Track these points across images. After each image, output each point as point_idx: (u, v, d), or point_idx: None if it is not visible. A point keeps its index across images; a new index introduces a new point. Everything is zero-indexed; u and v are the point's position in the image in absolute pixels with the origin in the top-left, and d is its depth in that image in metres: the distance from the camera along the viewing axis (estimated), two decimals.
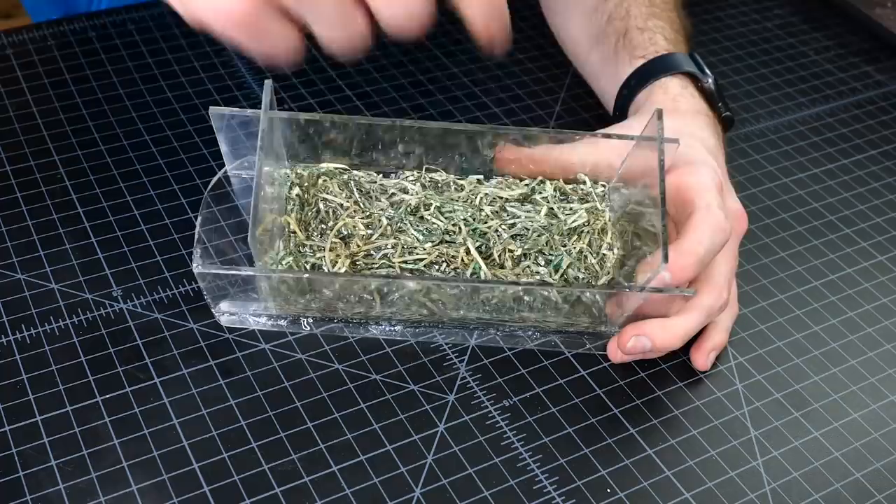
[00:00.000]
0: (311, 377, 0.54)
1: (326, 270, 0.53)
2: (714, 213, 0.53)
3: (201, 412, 0.51)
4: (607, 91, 0.69)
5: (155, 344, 0.54)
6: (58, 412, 0.51)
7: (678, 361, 0.57)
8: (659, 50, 0.66)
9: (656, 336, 0.54)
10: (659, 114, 0.54)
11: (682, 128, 0.58)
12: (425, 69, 0.78)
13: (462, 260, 0.54)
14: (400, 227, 0.55)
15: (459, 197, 0.57)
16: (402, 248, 0.54)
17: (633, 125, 0.60)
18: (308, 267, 0.53)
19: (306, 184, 0.56)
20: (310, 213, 0.56)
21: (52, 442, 0.49)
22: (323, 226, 0.55)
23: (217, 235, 0.55)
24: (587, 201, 0.58)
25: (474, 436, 0.52)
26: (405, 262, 0.54)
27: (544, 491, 0.50)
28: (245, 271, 0.52)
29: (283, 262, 0.53)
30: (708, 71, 0.65)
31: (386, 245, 0.54)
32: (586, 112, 0.75)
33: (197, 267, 0.50)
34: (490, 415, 0.53)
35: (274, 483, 0.49)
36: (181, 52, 0.76)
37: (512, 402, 0.54)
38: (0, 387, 0.52)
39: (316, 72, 0.76)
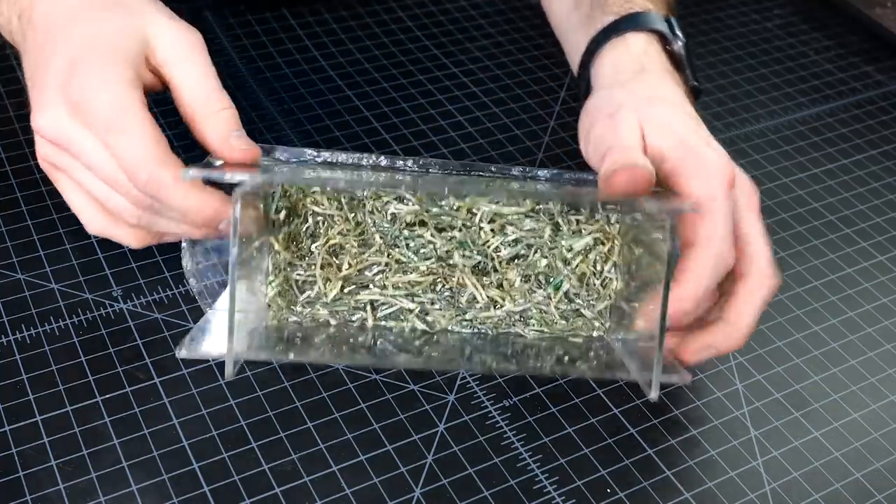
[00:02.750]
0: (311, 377, 0.54)
1: (316, 307, 0.53)
2: (715, 246, 0.49)
3: (201, 412, 0.51)
4: (578, 53, 0.64)
5: (155, 344, 0.54)
6: (58, 412, 0.51)
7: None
8: (633, 8, 0.61)
9: (720, 345, 0.51)
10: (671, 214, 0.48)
11: (653, 91, 0.55)
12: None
13: (458, 280, 0.54)
14: (394, 243, 0.54)
15: (457, 215, 0.54)
16: (396, 265, 0.54)
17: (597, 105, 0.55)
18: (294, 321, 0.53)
19: (294, 197, 0.53)
20: (297, 225, 0.54)
21: (52, 442, 0.49)
22: (311, 242, 0.54)
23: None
24: (595, 216, 0.54)
25: (474, 436, 0.52)
26: (398, 283, 0.53)
27: (544, 491, 0.50)
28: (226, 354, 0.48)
29: (273, 286, 0.53)
30: (681, 34, 0.60)
31: (379, 264, 0.54)
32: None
33: (180, 352, 0.50)
34: (490, 415, 0.53)
35: (274, 483, 0.49)
36: None
37: (512, 402, 0.54)
38: (0, 387, 0.52)
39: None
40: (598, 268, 0.55)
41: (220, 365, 0.54)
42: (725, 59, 0.83)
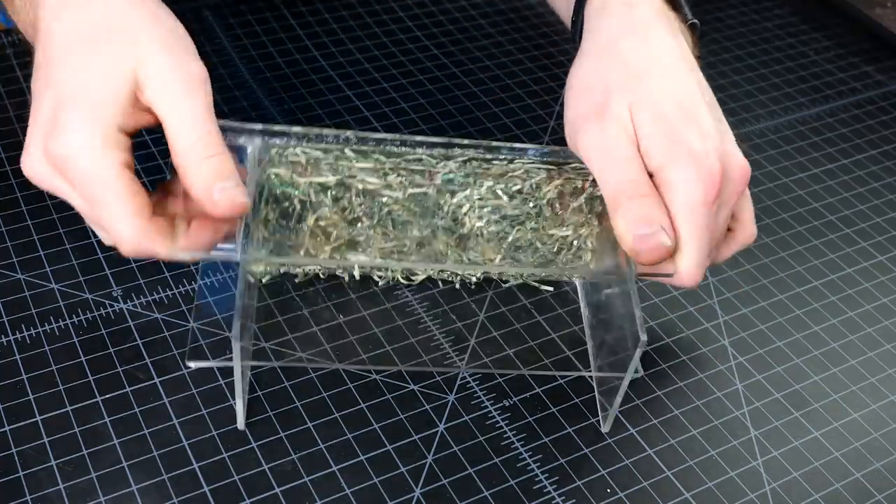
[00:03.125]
0: (312, 377, 0.54)
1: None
2: (703, 248, 0.50)
3: (201, 412, 0.51)
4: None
5: (155, 344, 0.54)
6: (58, 412, 0.51)
7: (678, 361, 0.57)
8: None
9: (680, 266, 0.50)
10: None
11: (645, 52, 0.52)
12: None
13: (440, 250, 0.55)
14: (381, 224, 0.55)
15: (441, 207, 0.55)
16: (383, 234, 0.55)
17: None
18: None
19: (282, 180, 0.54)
20: (288, 208, 0.54)
21: (52, 442, 0.49)
22: (300, 224, 0.54)
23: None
24: (583, 212, 0.56)
25: (474, 436, 0.52)
26: (384, 247, 0.55)
27: (544, 491, 0.50)
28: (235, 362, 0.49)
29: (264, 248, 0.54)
30: None
31: (368, 234, 0.55)
32: None
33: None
34: (490, 415, 0.53)
35: (274, 483, 0.49)
36: None
37: (512, 402, 0.54)
38: (0, 387, 0.52)
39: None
40: (576, 244, 0.56)
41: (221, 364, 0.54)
42: (725, 59, 0.83)
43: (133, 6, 0.47)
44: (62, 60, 0.46)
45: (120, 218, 0.45)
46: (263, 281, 0.58)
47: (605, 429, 0.53)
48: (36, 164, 0.46)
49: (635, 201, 0.48)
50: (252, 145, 0.52)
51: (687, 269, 0.50)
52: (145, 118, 0.46)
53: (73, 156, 0.44)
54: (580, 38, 0.57)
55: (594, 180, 0.54)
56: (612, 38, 0.54)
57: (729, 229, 0.53)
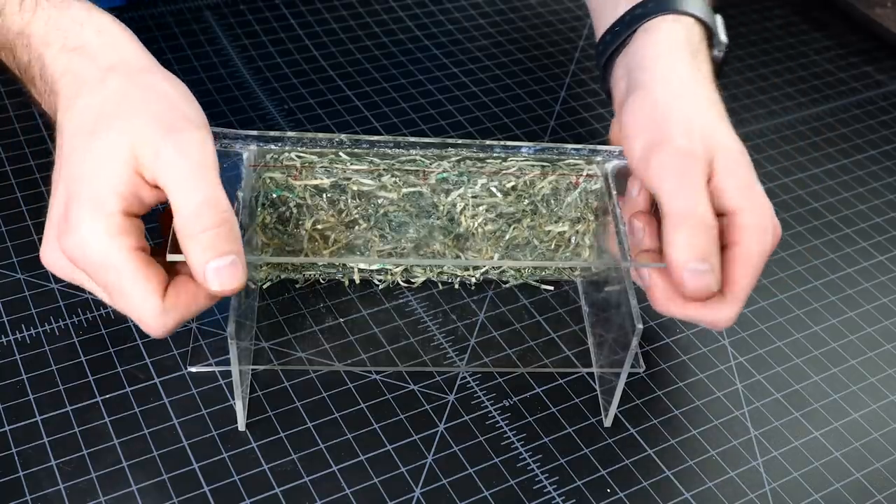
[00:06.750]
0: (311, 377, 0.54)
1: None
2: (731, 310, 0.50)
3: (201, 412, 0.51)
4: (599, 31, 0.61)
5: (155, 344, 0.54)
6: (58, 412, 0.51)
7: (678, 361, 0.57)
8: None
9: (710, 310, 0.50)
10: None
11: (711, 102, 0.52)
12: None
13: (436, 250, 0.57)
14: (378, 226, 0.56)
15: (439, 204, 0.56)
16: (380, 236, 0.56)
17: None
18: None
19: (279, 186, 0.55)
20: (285, 212, 0.55)
21: (52, 442, 0.49)
22: (297, 229, 0.55)
23: None
24: (578, 207, 0.57)
25: (474, 436, 0.52)
26: (382, 250, 0.56)
27: (544, 491, 0.50)
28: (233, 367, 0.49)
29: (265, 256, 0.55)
30: (725, 38, 0.57)
31: (365, 237, 0.56)
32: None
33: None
34: (490, 415, 0.53)
35: (274, 483, 0.49)
36: (182, 51, 0.76)
37: (512, 402, 0.54)
38: (0, 387, 0.52)
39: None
40: (574, 241, 0.57)
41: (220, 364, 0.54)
42: (725, 59, 0.83)
43: (129, 85, 0.47)
44: (70, 154, 0.46)
45: (138, 303, 0.45)
46: (264, 287, 0.58)
47: (606, 423, 0.53)
48: (55, 259, 0.47)
49: (701, 231, 0.48)
50: (247, 151, 0.52)
51: (734, 314, 0.50)
52: (154, 196, 0.46)
53: (83, 249, 0.45)
54: (604, 47, 0.58)
55: (588, 175, 0.55)
56: (681, 77, 0.54)
57: None
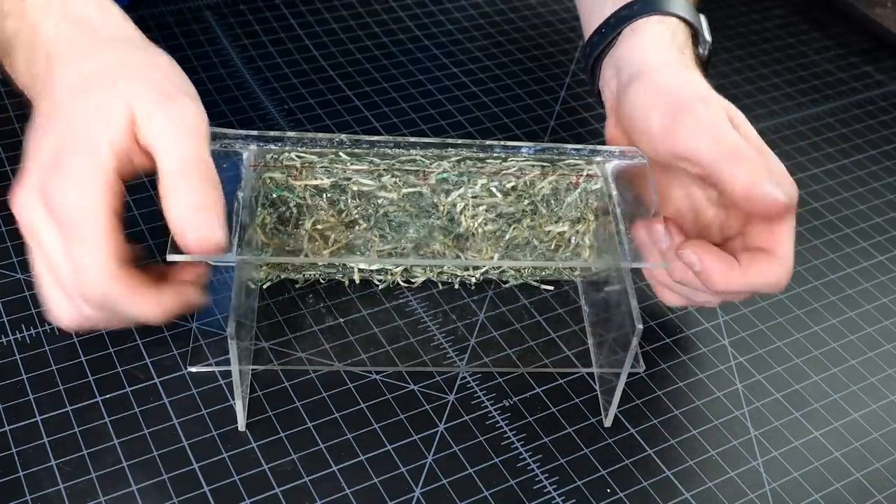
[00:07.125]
0: (311, 377, 0.54)
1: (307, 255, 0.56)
2: (784, 268, 0.51)
3: (201, 412, 0.51)
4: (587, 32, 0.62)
5: (155, 344, 0.54)
6: (58, 412, 0.51)
7: (678, 361, 0.57)
8: None
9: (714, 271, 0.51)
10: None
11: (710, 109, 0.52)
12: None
13: (436, 250, 0.57)
14: (378, 226, 0.56)
15: (437, 205, 0.56)
16: (380, 237, 0.56)
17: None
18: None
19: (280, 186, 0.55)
20: (285, 212, 0.55)
21: (52, 442, 0.49)
22: (297, 229, 0.55)
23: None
24: (578, 208, 0.57)
25: (474, 436, 0.52)
26: (382, 250, 0.56)
27: (544, 491, 0.50)
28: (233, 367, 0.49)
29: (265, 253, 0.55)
30: (709, 38, 0.58)
31: (365, 237, 0.56)
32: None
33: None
34: (490, 415, 0.53)
35: (274, 483, 0.49)
36: (182, 51, 0.76)
37: (512, 402, 0.54)
38: (0, 387, 0.52)
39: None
40: (574, 241, 0.57)
41: (220, 364, 0.54)
42: (725, 59, 0.83)
43: (131, 54, 0.49)
44: (66, 107, 0.47)
45: (92, 256, 0.45)
46: (264, 287, 0.58)
47: (606, 423, 0.53)
48: (27, 201, 0.46)
49: (757, 160, 0.50)
50: (247, 151, 0.53)
51: (787, 272, 0.51)
52: (143, 161, 0.47)
53: (65, 190, 0.45)
54: (592, 47, 0.59)
55: (588, 175, 0.55)
56: (685, 64, 0.55)
57: None
